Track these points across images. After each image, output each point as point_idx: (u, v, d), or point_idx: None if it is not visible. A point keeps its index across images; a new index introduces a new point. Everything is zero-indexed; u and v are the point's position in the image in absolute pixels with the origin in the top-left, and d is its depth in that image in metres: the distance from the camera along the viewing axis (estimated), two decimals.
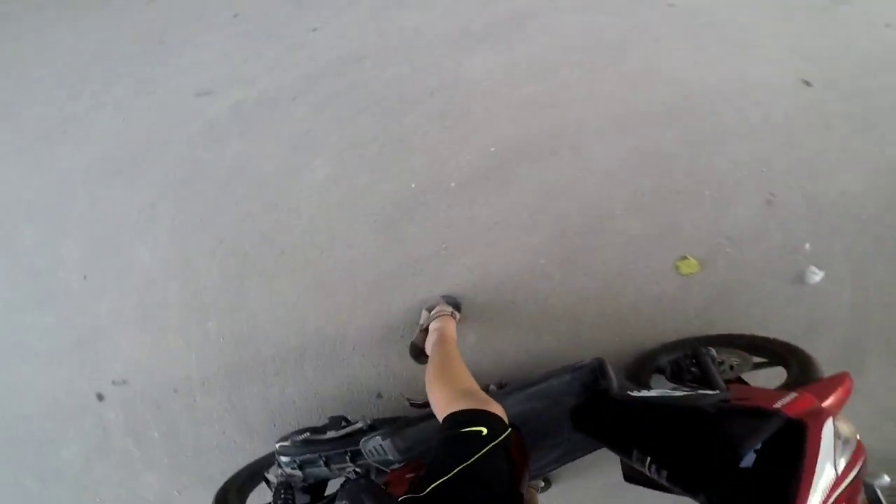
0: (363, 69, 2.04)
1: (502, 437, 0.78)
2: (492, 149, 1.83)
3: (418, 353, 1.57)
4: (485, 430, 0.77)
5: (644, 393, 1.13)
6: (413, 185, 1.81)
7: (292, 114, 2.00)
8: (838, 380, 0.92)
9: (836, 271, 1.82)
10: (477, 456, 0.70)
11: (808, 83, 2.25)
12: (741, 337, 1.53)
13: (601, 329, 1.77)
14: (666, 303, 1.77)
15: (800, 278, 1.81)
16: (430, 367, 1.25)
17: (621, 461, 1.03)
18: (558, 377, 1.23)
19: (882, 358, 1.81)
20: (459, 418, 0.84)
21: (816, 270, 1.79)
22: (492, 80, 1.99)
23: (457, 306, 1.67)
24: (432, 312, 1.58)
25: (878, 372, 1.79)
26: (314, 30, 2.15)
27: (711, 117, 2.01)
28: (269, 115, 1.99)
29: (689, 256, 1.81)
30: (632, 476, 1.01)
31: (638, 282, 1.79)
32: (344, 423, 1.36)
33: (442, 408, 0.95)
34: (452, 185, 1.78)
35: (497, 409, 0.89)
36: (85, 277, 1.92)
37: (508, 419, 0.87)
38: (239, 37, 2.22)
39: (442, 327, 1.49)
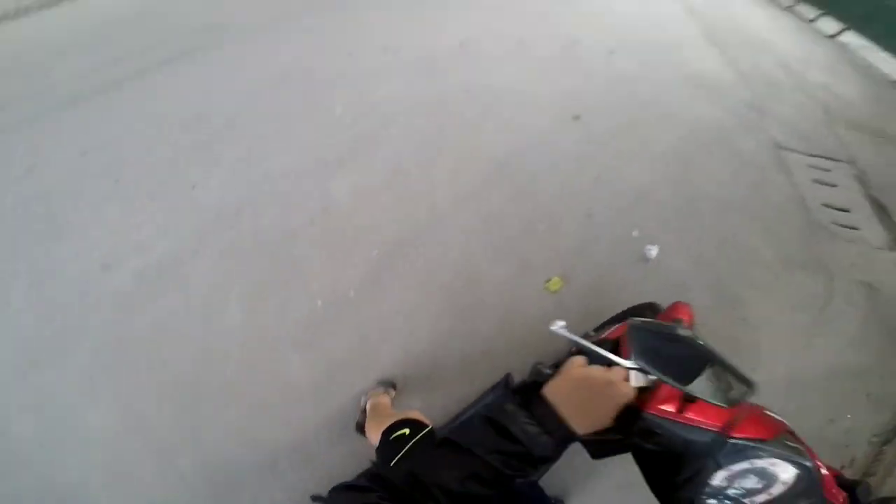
0: (246, 216, 2.30)
1: (423, 431, 0.89)
2: (374, 252, 2.24)
3: (362, 430, 1.76)
4: (407, 431, 0.89)
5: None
6: (319, 303, 2.12)
7: (196, 269, 2.12)
8: (677, 306, 1.42)
9: (664, 241, 2.41)
10: (405, 450, 0.79)
11: (577, 117, 3.07)
12: (614, 317, 1.75)
13: (512, 355, 2.08)
14: (552, 317, 2.24)
15: (643, 257, 2.35)
16: (367, 424, 1.53)
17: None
18: (483, 399, 1.61)
19: (708, 293, 2.34)
20: (387, 431, 0.95)
21: (651, 247, 2.36)
22: (357, 196, 2.41)
23: (392, 385, 1.96)
24: (367, 395, 1.87)
25: (712, 301, 2.33)
26: (193, 187, 2.32)
27: (522, 169, 2.66)
28: (176, 274, 2.10)
29: (552, 277, 2.29)
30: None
31: (523, 310, 2.19)
32: None
33: (377, 437, 1.02)
34: (351, 293, 2.12)
35: (415, 414, 1.02)
36: (41, 446, 1.85)
37: None
38: (125, 203, 2.27)
39: (375, 402, 1.77)
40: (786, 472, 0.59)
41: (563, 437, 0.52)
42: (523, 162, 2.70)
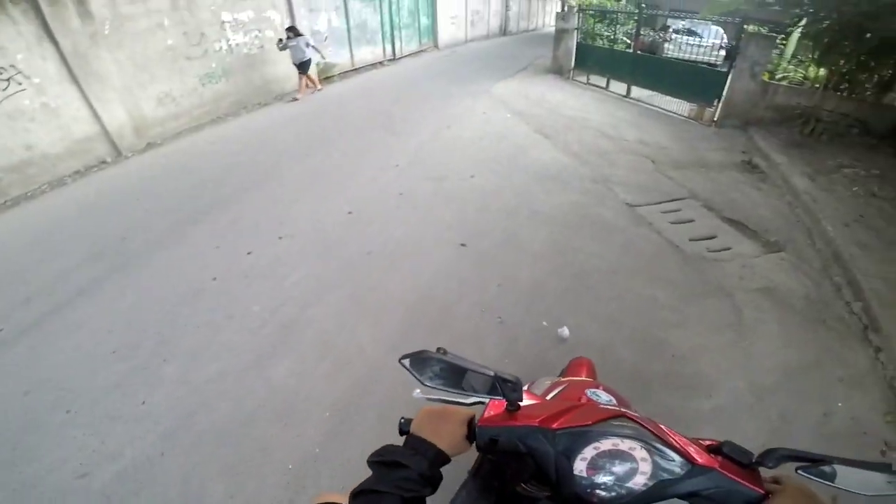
0: (201, 416, 2.14)
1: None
2: (326, 414, 2.06)
3: None
4: None
5: None
6: (290, 466, 1.86)
7: (165, 467, 1.95)
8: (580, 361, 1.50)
9: (571, 321, 2.55)
10: None
11: (463, 244, 3.35)
12: None
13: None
14: None
15: (560, 339, 2.47)
16: None
17: None
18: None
19: (632, 346, 2.41)
20: None
21: (562, 329, 2.50)
22: (297, 376, 2.29)
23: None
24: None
25: (639, 352, 2.38)
26: (143, 403, 2.20)
27: (432, 303, 2.74)
28: (149, 474, 1.95)
29: None
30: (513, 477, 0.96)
31: None
32: None
33: None
34: (317, 450, 1.94)
35: (325, 496, 0.94)
36: None
37: None
38: (83, 428, 2.14)
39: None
40: (637, 451, 0.65)
41: (434, 455, 0.64)
42: (432, 296, 2.82)
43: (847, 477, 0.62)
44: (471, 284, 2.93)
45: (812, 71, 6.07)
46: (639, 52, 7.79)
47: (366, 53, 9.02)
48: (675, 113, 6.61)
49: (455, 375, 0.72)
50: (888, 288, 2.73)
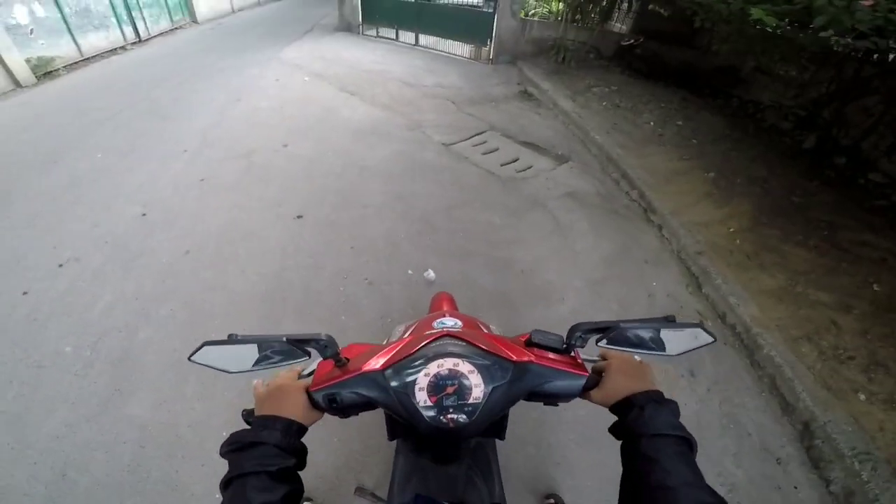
0: (78, 479, 1.62)
1: None
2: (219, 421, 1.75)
3: None
4: None
5: None
6: None
7: None
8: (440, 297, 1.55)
9: (433, 263, 2.66)
10: None
11: (300, 216, 3.09)
12: None
13: None
14: None
15: (429, 281, 2.56)
16: None
17: None
18: None
19: (487, 271, 2.68)
20: None
21: (427, 272, 2.60)
22: (156, 408, 1.83)
23: None
24: None
25: (492, 274, 2.64)
26: None
27: (289, 285, 2.48)
28: None
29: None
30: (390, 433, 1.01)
31: None
32: None
33: None
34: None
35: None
36: None
37: None
38: None
39: None
40: (461, 365, 0.66)
41: (284, 425, 0.63)
42: (285, 279, 2.53)
43: (657, 342, 0.69)
44: (323, 254, 2.76)
45: (555, 5, 7.09)
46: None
47: (98, 40, 7.13)
48: (459, 55, 7.21)
49: (261, 353, 0.69)
50: (650, 175, 3.57)
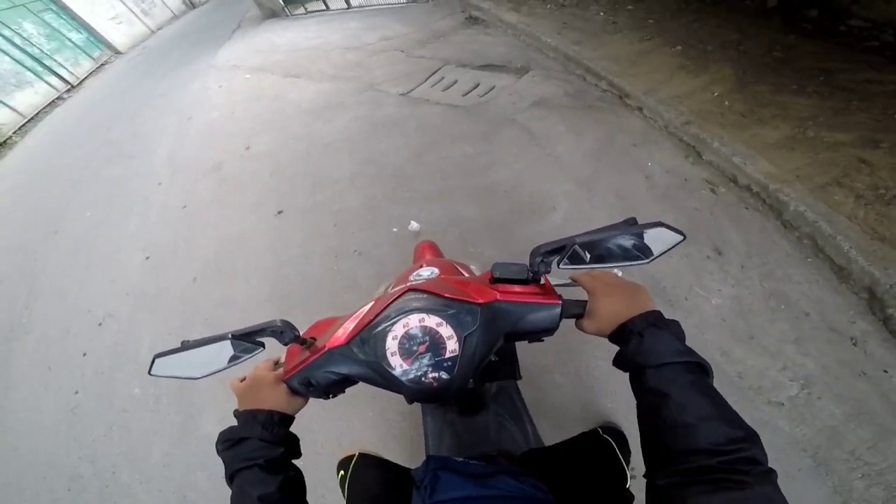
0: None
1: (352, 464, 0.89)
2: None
3: None
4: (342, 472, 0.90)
5: None
6: None
7: None
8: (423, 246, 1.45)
9: (419, 215, 2.63)
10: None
11: (280, 211, 3.06)
12: None
13: None
14: None
15: (415, 233, 2.54)
16: None
17: None
18: None
19: (471, 203, 2.62)
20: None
21: (412, 223, 2.58)
22: (131, 439, 1.98)
23: None
24: None
25: (475, 212, 2.62)
26: None
27: (286, 281, 2.53)
28: None
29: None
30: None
31: None
32: None
33: None
34: None
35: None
36: None
37: None
38: None
39: None
40: (427, 320, 0.61)
41: (265, 416, 0.63)
42: (283, 275, 2.57)
43: (627, 251, 0.60)
44: (310, 240, 2.76)
45: None
46: None
47: (29, 97, 6.99)
48: (396, 3, 6.77)
49: (216, 354, 0.68)
50: (613, 63, 3.36)
